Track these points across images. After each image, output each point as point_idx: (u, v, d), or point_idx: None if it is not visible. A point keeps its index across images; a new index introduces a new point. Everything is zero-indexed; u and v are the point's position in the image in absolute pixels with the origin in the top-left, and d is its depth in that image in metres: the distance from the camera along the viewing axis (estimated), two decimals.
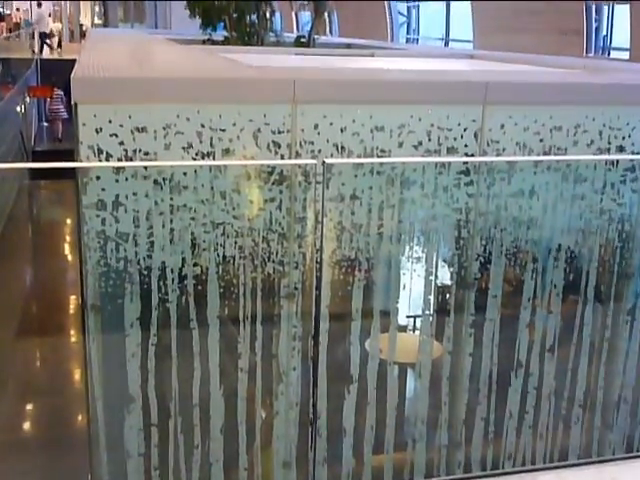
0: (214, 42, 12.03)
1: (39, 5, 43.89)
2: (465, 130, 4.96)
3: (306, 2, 13.61)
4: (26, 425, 7.67)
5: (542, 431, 5.50)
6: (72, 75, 4.46)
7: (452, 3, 24.29)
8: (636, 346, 5.53)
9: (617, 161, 5.24)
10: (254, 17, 12.52)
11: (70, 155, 5.09)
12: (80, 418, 6.95)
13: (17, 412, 7.74)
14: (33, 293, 10.10)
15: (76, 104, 4.26)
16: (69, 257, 11.27)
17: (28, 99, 21.51)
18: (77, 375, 7.62)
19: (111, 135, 4.30)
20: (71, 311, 9.06)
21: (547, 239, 5.24)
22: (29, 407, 7.87)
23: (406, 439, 5.33)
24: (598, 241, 5.29)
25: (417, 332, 5.31)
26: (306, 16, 21.05)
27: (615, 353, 5.54)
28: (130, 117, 4.33)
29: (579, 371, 5.45)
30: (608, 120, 5.28)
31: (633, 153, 5.36)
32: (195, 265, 4.55)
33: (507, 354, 5.28)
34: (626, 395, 5.59)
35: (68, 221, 13.08)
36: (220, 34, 12.56)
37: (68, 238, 12.32)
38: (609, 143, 5.32)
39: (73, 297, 9.27)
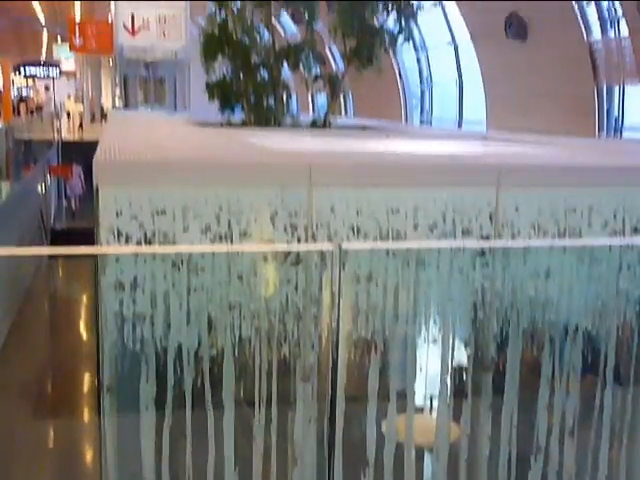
0: (232, 124, 12.21)
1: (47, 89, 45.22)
2: (480, 212, 5.00)
3: (322, 84, 13.81)
4: None
5: None
6: (94, 159, 4.57)
7: (465, 85, 24.71)
8: None
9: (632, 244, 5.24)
10: (271, 100, 12.74)
11: (89, 233, 5.16)
12: None
13: None
14: (49, 372, 10.07)
15: (97, 187, 4.34)
16: (85, 336, 11.26)
17: (49, 178, 21.88)
18: (91, 456, 7.54)
19: (131, 218, 4.36)
20: (86, 391, 9.01)
21: (564, 320, 5.20)
22: None
23: None
24: (616, 322, 5.25)
25: (434, 414, 5.23)
26: (322, 97, 21.44)
27: (637, 436, 5.43)
28: (150, 200, 4.40)
29: (600, 455, 5.34)
30: (622, 202, 5.31)
31: None
32: (211, 346, 4.54)
33: (526, 437, 5.19)
34: None
35: (85, 300, 13.12)
36: (238, 116, 12.77)
37: (85, 317, 12.33)
38: (624, 224, 5.34)
39: (88, 377, 9.23)
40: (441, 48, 25.66)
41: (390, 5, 12.44)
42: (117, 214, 4.34)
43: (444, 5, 23.29)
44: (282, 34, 28.33)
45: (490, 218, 5.02)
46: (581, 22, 18.29)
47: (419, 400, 5.17)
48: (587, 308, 5.23)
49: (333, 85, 13.48)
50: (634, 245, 5.28)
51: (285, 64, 13.25)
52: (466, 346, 5.12)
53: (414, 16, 12.71)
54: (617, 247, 5.20)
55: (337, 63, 19.90)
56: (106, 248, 4.36)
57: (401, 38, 12.87)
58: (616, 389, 5.28)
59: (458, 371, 5.13)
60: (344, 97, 18.62)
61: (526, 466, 5.22)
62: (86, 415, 8.50)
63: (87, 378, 9.09)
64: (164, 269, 4.40)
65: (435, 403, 5.25)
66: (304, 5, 12.72)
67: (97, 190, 4.35)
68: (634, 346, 5.29)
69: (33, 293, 13.58)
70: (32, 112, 39.06)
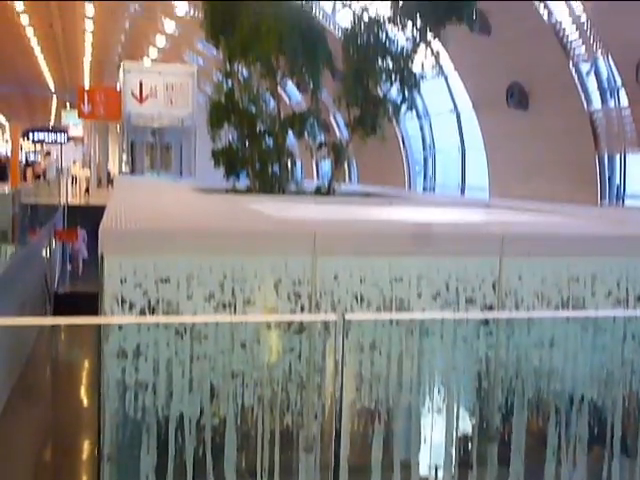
0: (237, 191, 12.29)
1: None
2: (483, 281, 5.01)
3: (327, 151, 13.93)
4: None
5: None
6: (100, 227, 4.60)
7: (467, 152, 24.92)
8: None
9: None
10: (276, 167, 12.84)
11: (92, 297, 5.16)
12: None
13: None
14: (48, 440, 9.91)
15: (102, 255, 4.37)
16: (86, 404, 11.13)
17: (54, 243, 21.95)
18: None
19: (135, 285, 4.38)
20: (86, 460, 8.87)
21: (569, 390, 5.16)
22: None
23: None
24: (622, 392, 5.20)
25: None
26: (326, 165, 21.66)
27: None
28: (154, 268, 4.42)
29: None
30: (625, 271, 5.31)
31: None
32: (213, 415, 4.51)
33: None
34: None
35: (87, 367, 12.99)
36: (243, 182, 12.86)
37: (86, 385, 12.20)
38: (627, 294, 5.34)
39: (88, 446, 9.09)
40: (444, 115, 25.98)
41: (393, 75, 12.63)
42: (122, 282, 4.36)
43: (446, 74, 23.67)
44: (287, 101, 28.78)
45: (493, 287, 5.03)
46: (581, 92, 18.54)
47: (423, 470, 5.10)
48: (592, 378, 5.19)
49: (337, 153, 13.59)
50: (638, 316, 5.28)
51: (290, 132, 13.39)
52: (471, 416, 5.07)
53: (417, 86, 12.88)
54: (621, 317, 5.20)
55: (341, 131, 20.15)
56: (110, 318, 4.37)
57: (404, 107, 13.04)
58: (623, 460, 5.20)
59: (463, 441, 5.07)
60: (348, 164, 18.82)
61: None
62: None
63: (87, 447, 8.95)
64: (167, 337, 4.39)
65: (440, 473, 5.17)
66: (309, 74, 12.89)
67: (102, 258, 4.38)
68: None
69: (34, 359, 13.47)
70: (38, 177, 39.40)
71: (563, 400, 5.10)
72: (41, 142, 55.81)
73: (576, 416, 5.09)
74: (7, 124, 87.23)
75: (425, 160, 28.35)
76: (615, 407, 5.18)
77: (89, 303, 5.43)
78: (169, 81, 31.08)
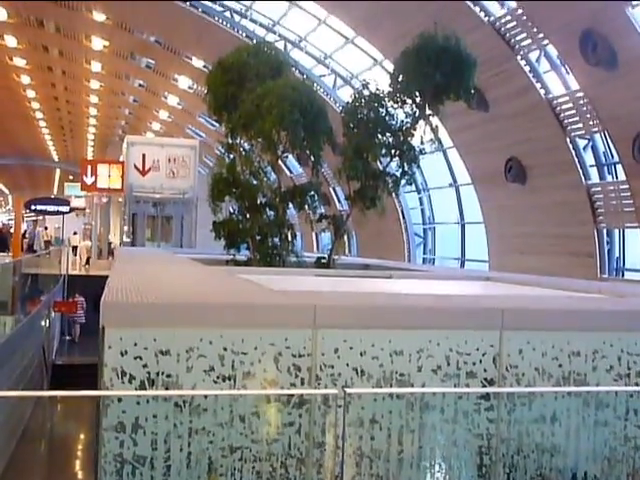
0: (237, 262, 12.33)
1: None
2: (484, 355, 5.00)
3: (327, 224, 14.01)
4: None
5: None
6: (102, 300, 4.62)
7: (467, 225, 25.04)
8: None
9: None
10: (276, 239, 12.90)
11: (89, 368, 5.13)
12: None
13: None
14: None
15: (103, 328, 4.38)
16: (82, 478, 10.94)
17: (53, 314, 21.93)
18: None
19: (135, 357, 4.37)
20: None
21: (572, 466, 5.10)
22: None
23: None
24: (625, 469, 5.14)
25: None
26: (326, 237, 21.77)
27: None
28: (155, 340, 4.43)
29: None
30: (626, 346, 5.31)
31: None
32: None
33: None
34: None
35: (84, 440, 12.83)
36: (243, 254, 12.90)
37: (82, 458, 12.03)
38: (629, 369, 5.32)
39: None
40: (443, 189, 26.19)
41: (393, 150, 12.78)
42: (122, 354, 4.36)
43: (445, 148, 23.93)
44: (288, 173, 29.06)
45: (494, 360, 5.02)
46: (579, 166, 18.69)
47: None
48: (595, 454, 5.13)
49: (337, 225, 13.69)
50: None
51: (291, 204, 13.51)
52: None
53: (416, 160, 13.01)
54: (624, 392, 5.17)
55: (341, 203, 20.32)
56: (109, 392, 4.35)
57: (403, 181, 13.16)
58: None
59: None
60: (348, 236, 18.95)
61: None
62: None
63: None
64: (166, 410, 4.37)
65: None
66: (310, 149, 13.05)
67: (103, 330, 4.38)
68: None
69: (30, 432, 13.33)
70: (40, 247, 39.49)
71: (566, 477, 5.04)
72: (43, 213, 56.09)
73: None
74: (10, 195, 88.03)
75: (425, 232, 28.48)
76: None
77: (86, 373, 5.42)
78: (171, 153, 31.43)
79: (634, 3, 15.03)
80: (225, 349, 4.53)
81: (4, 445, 11.83)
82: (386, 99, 12.73)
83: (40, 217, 56.14)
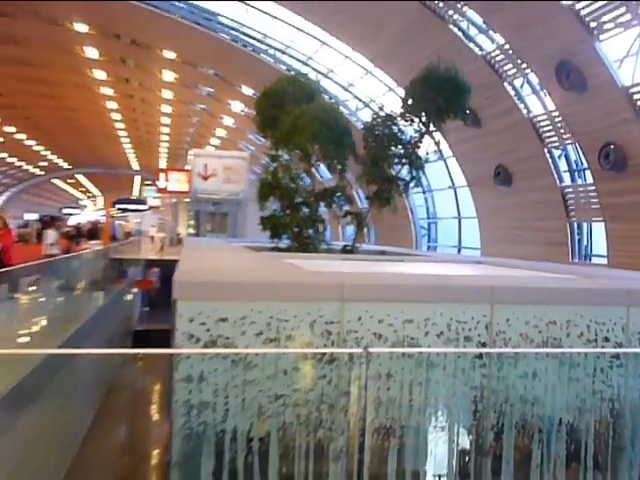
0: (279, 249, 12.37)
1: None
2: (478, 323, 4.98)
3: (350, 218, 14.05)
4: None
5: None
6: (174, 278, 4.66)
7: (463, 220, 24.90)
8: None
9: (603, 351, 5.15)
10: (310, 231, 12.93)
11: (163, 333, 5.18)
12: None
13: None
14: (128, 451, 9.83)
15: (175, 300, 4.41)
16: (159, 420, 11.06)
17: (135, 290, 22.18)
18: None
19: (200, 324, 4.41)
20: (156, 467, 8.77)
21: (550, 414, 5.06)
22: None
23: None
24: (593, 417, 5.09)
25: None
26: (350, 229, 21.76)
27: None
28: (216, 310, 4.46)
29: None
30: (594, 317, 5.25)
31: (616, 344, 5.28)
32: (261, 430, 4.48)
33: None
34: None
35: (159, 389, 12.97)
36: (284, 243, 12.94)
37: (158, 404, 12.17)
38: (596, 335, 5.26)
39: (158, 455, 9.00)
40: (444, 190, 26.05)
41: (403, 159, 12.76)
42: (190, 321, 4.40)
43: (445, 158, 23.84)
44: (319, 178, 29.05)
45: (486, 328, 4.99)
46: (554, 172, 18.52)
47: (429, 479, 5.00)
48: (568, 405, 5.09)
49: (359, 219, 13.69)
50: (604, 352, 5.20)
51: (322, 203, 13.51)
52: (468, 434, 4.98)
53: (422, 167, 13.00)
54: (591, 354, 5.12)
55: (362, 202, 20.28)
56: (180, 350, 4.39)
57: (412, 184, 13.14)
58: (596, 474, 5.07)
59: (462, 455, 4.97)
60: (367, 228, 18.88)
61: None
62: None
63: (157, 456, 8.85)
64: (224, 365, 4.40)
65: None
66: (337, 159, 13.10)
67: (175, 302, 4.42)
68: (610, 438, 5.11)
69: (117, 384, 13.49)
70: (126, 237, 39.95)
71: (545, 423, 5.00)
72: (126, 210, 56.75)
73: (556, 436, 4.98)
74: (101, 195, 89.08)
75: (429, 225, 28.37)
76: (588, 429, 5.06)
77: (161, 337, 5.46)
78: (227, 163, 31.60)
79: (601, 37, 14.80)
80: (271, 317, 4.55)
81: (96, 395, 12.01)
82: (398, 118, 12.71)
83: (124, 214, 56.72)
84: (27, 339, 9.50)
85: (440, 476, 5.08)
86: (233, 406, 4.44)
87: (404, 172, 12.91)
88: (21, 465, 6.86)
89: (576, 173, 18.32)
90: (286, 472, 4.56)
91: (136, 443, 10.05)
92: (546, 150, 18.56)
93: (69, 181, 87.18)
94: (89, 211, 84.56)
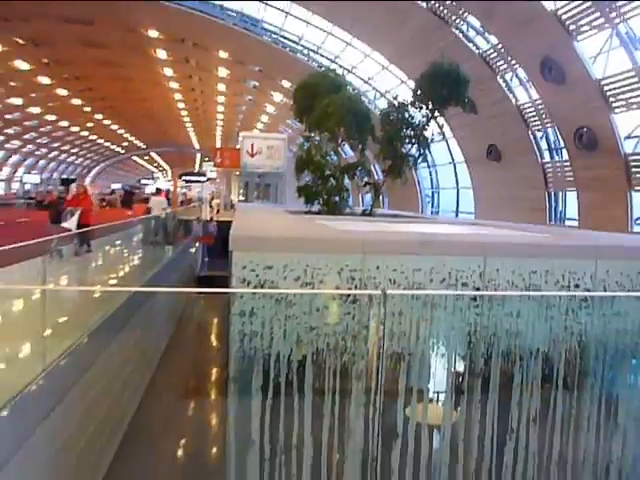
0: (312, 212, 12.35)
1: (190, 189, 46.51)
2: (473, 272, 4.94)
3: (369, 188, 13.92)
4: (185, 456, 7.43)
5: (529, 477, 5.09)
6: (230, 234, 4.68)
7: (460, 190, 24.57)
8: (593, 420, 5.14)
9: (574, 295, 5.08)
10: (336, 198, 12.86)
11: (220, 278, 5.22)
12: (218, 452, 6.77)
13: (180, 447, 7.58)
14: (197, 369, 10.05)
15: (231, 251, 4.44)
16: (219, 346, 11.25)
17: (198, 244, 22.39)
18: (219, 423, 7.41)
19: (251, 270, 4.44)
20: (218, 380, 8.94)
21: (529, 345, 5.04)
22: (187, 444, 7.67)
23: (434, 477, 5.01)
24: (564, 347, 5.05)
25: (441, 404, 5.08)
26: (368, 197, 21.60)
27: (578, 424, 5.16)
28: (262, 259, 4.48)
29: (554, 436, 5.08)
30: (568, 267, 5.18)
31: (585, 289, 5.21)
32: (298, 354, 4.53)
33: (503, 422, 4.98)
34: (588, 453, 5.16)
35: (218, 322, 13.15)
36: (315, 207, 12.91)
37: (218, 333, 12.36)
38: (569, 282, 5.20)
39: (219, 372, 9.16)
40: (445, 166, 25.65)
41: (413, 140, 12.55)
42: (243, 268, 4.43)
43: (447, 138, 23.40)
44: (344, 155, 28.76)
45: (480, 276, 4.95)
46: (536, 150, 18.10)
47: (431, 394, 5.04)
48: (544, 337, 5.06)
49: (376, 189, 13.57)
50: (575, 296, 5.13)
51: (346, 175, 13.39)
52: (463, 360, 4.99)
53: (428, 146, 12.77)
54: (565, 298, 5.06)
55: (379, 175, 20.08)
56: (235, 290, 4.44)
57: (420, 160, 12.94)
58: (565, 393, 5.06)
59: (457, 376, 4.99)
60: (383, 196, 18.69)
61: (502, 442, 5.01)
62: (217, 397, 8.44)
63: (218, 373, 9.04)
64: (270, 303, 4.44)
65: (442, 397, 5.09)
66: (359, 140, 12.94)
67: (231, 253, 4.45)
68: (577, 364, 5.08)
69: (184, 317, 13.73)
70: (187, 203, 40.23)
71: (525, 352, 4.98)
72: (189, 181, 56.97)
73: (533, 362, 4.96)
74: (170, 170, 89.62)
75: (432, 194, 28.05)
76: (560, 357, 5.04)
77: (219, 281, 5.52)
78: (269, 144, 31.36)
79: (579, 37, 14.26)
80: (307, 265, 4.56)
81: (168, 328, 12.24)
82: (409, 106, 12.44)
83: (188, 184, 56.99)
84: (115, 281, 9.69)
85: (439, 392, 5.11)
86: (276, 335, 4.49)
87: (413, 150, 12.69)
88: (113, 379, 7.07)
89: (554, 151, 17.90)
90: (318, 387, 4.62)
91: (201, 363, 10.26)
92: (530, 132, 18.13)
93: (145, 158, 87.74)
94: (161, 182, 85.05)
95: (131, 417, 7.63)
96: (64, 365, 5.02)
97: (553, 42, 14.96)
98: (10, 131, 49.73)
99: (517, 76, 17.89)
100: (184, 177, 57.38)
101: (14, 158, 56.14)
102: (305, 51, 27.55)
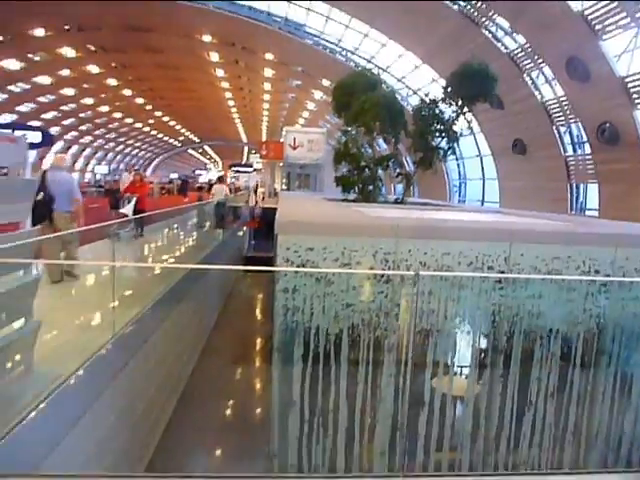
0: (348, 200, 12.31)
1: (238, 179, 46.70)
2: (499, 257, 4.84)
3: (401, 179, 13.78)
4: (234, 416, 7.57)
5: (545, 447, 5.01)
6: (275, 219, 4.71)
7: (487, 181, 23.99)
8: (608, 395, 5.01)
9: (594, 280, 4.93)
10: (371, 187, 12.78)
11: (266, 259, 5.26)
12: (263, 413, 6.89)
13: (229, 408, 7.73)
14: (244, 339, 10.18)
15: (277, 234, 4.48)
16: (264, 319, 11.35)
17: (245, 228, 22.61)
18: (265, 388, 7.50)
19: (294, 251, 4.46)
20: (264, 350, 9.05)
21: (549, 325, 4.93)
22: (236, 405, 7.81)
23: (457, 443, 4.98)
24: (583, 328, 4.92)
25: (465, 377, 5.03)
26: (399, 187, 21.35)
27: (593, 399, 5.04)
28: (304, 242, 4.49)
29: (570, 410, 4.98)
30: (589, 254, 5.02)
31: (604, 275, 5.05)
32: (336, 328, 4.55)
33: (523, 396, 4.90)
34: (601, 426, 5.03)
35: (264, 298, 13.27)
36: (352, 196, 12.86)
37: (264, 308, 12.47)
38: (589, 268, 5.04)
39: (265, 342, 9.24)
40: (472, 158, 25.06)
41: (443, 134, 12.31)
42: (287, 249, 4.45)
43: (475, 133, 22.83)
44: (377, 148, 28.48)
45: (505, 260, 4.84)
46: (560, 144, 17.48)
47: (456, 368, 5.00)
48: (564, 319, 4.93)
49: (408, 179, 13.41)
50: (594, 281, 4.98)
51: (379, 167, 13.27)
52: (487, 337, 4.92)
53: (457, 140, 12.54)
54: (585, 282, 4.91)
55: (409, 166, 19.80)
56: (280, 269, 4.47)
57: (449, 153, 12.71)
58: (582, 370, 4.95)
59: (481, 352, 4.92)
60: (413, 186, 18.37)
61: (521, 413, 4.94)
62: (263, 364, 8.55)
63: (267, 342, 9.15)
64: (311, 281, 4.46)
65: (466, 371, 5.04)
66: (392, 133, 12.77)
67: (276, 236, 4.48)
68: (594, 344, 4.95)
69: (233, 293, 13.91)
70: (236, 190, 40.65)
71: (545, 331, 4.87)
72: (238, 172, 57.41)
73: (552, 341, 4.86)
74: (220, 161, 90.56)
75: (460, 184, 27.50)
76: (578, 337, 4.91)
77: (264, 261, 5.57)
78: (310, 137, 31.21)
79: (604, 37, 13.62)
80: (345, 248, 4.56)
81: (219, 300, 12.44)
82: (440, 102, 12.20)
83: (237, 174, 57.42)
84: (173, 260, 9.90)
85: (464, 366, 5.06)
86: (316, 310, 4.52)
87: (443, 143, 12.46)
88: (171, 346, 7.25)
89: (577, 145, 17.24)
90: (352, 358, 4.65)
91: (248, 334, 10.40)
92: (554, 127, 17.49)
93: (199, 151, 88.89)
94: (213, 172, 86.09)
95: (186, 380, 7.82)
96: (130, 333, 5.18)
97: (579, 41, 14.33)
98: (83, 128, 51.16)
99: (543, 74, 17.23)
100: (233, 168, 57.89)
101: (87, 151, 57.80)
102: (343, 52, 27.25)
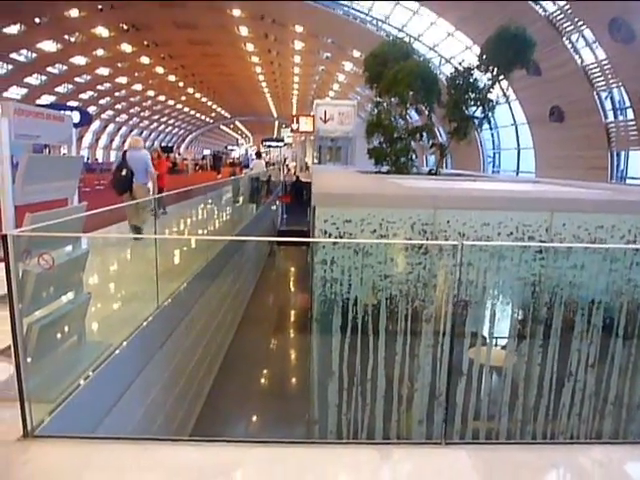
0: (381, 172, 12.16)
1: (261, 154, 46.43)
2: (539, 226, 4.70)
3: (434, 149, 13.50)
4: (273, 384, 7.72)
5: (584, 418, 4.92)
6: (312, 192, 4.68)
7: (522, 150, 23.27)
8: None
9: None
10: (404, 159, 12.57)
11: (298, 232, 5.24)
12: (302, 382, 6.99)
13: (268, 377, 7.88)
14: (280, 311, 10.33)
15: (314, 207, 4.44)
16: (303, 290, 11.44)
17: (278, 202, 22.68)
18: (304, 357, 7.60)
19: (332, 223, 4.43)
20: (302, 320, 9.15)
21: (591, 296, 4.77)
22: (275, 374, 7.96)
23: (494, 413, 4.94)
24: (626, 299, 4.75)
25: (502, 348, 4.95)
26: (432, 158, 20.91)
27: (636, 371, 4.89)
28: (342, 214, 4.45)
29: (611, 381, 4.85)
30: (634, 223, 4.81)
31: None
32: (374, 299, 4.53)
33: (562, 367, 4.80)
34: None
35: (301, 269, 13.32)
36: (384, 168, 12.69)
37: (302, 279, 12.55)
38: (635, 237, 4.83)
39: (304, 313, 9.31)
40: (507, 127, 24.27)
41: (478, 102, 11.94)
42: (324, 221, 4.42)
43: (510, 101, 22.03)
44: (410, 120, 27.90)
45: (546, 230, 4.69)
46: (600, 110, 16.70)
47: (495, 339, 4.93)
48: (607, 290, 4.77)
49: (441, 150, 13.13)
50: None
51: (412, 138, 13.01)
52: (527, 308, 4.81)
53: (492, 109, 12.12)
54: (630, 252, 4.72)
55: (442, 137, 19.32)
56: (318, 240, 4.45)
57: (484, 122, 12.34)
58: (625, 342, 4.79)
59: (521, 323, 4.83)
60: (446, 156, 17.95)
61: (561, 384, 4.84)
62: (302, 334, 8.66)
63: (303, 313, 9.25)
64: (348, 253, 4.43)
65: (504, 341, 4.96)
66: (426, 103, 12.46)
67: (314, 208, 4.45)
68: (638, 315, 4.78)
69: (268, 265, 14.05)
70: (267, 164, 40.72)
71: (587, 302, 4.73)
72: (269, 146, 57.35)
73: (594, 312, 4.71)
74: (252, 136, 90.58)
75: (494, 155, 26.75)
76: (621, 308, 4.75)
77: (297, 234, 5.56)
78: (341, 110, 30.78)
79: None
80: (382, 219, 4.50)
81: (255, 272, 12.62)
82: (475, 70, 11.79)
83: (269, 149, 57.39)
84: (211, 234, 10.02)
85: (503, 337, 4.98)
86: (354, 282, 4.50)
87: (478, 112, 12.08)
88: (212, 316, 7.42)
89: (619, 111, 16.44)
90: (391, 329, 4.62)
91: (284, 305, 10.53)
92: (595, 93, 16.70)
93: (230, 126, 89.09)
94: (244, 147, 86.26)
95: (226, 350, 8.00)
96: (172, 304, 5.30)
97: (623, 1, 13.51)
98: (119, 106, 51.84)
99: (583, 37, 16.40)
100: (265, 142, 57.83)
101: (123, 130, 58.67)
102: (374, 22, 26.53)
